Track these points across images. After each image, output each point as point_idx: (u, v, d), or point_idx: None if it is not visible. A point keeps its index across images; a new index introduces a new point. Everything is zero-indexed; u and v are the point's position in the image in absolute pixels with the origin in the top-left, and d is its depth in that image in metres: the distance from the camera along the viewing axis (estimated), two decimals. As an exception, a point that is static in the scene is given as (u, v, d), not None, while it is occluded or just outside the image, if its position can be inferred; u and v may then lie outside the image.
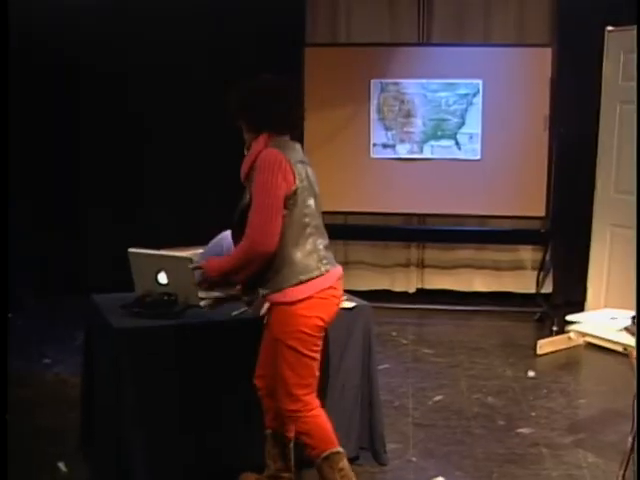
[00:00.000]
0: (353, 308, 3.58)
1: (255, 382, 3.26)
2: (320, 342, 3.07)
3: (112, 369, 3.19)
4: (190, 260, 3.31)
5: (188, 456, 3.32)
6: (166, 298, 3.38)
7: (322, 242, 3.08)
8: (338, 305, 3.13)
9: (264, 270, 2.98)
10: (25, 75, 6.14)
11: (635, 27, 5.27)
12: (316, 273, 2.99)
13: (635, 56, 5.47)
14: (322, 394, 3.53)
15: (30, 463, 3.64)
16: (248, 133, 3.10)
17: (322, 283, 3.00)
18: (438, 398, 4.63)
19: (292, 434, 3.26)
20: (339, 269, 3.13)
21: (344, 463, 3.09)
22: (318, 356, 3.08)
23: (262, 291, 3.04)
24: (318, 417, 3.08)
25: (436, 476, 3.61)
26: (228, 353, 3.28)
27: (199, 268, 3.15)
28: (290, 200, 2.95)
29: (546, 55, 6.28)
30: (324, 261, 3.04)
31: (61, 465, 3.61)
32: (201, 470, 3.36)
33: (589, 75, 6.12)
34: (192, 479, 3.35)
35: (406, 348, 5.66)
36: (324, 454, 3.05)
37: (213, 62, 6.44)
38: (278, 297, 2.99)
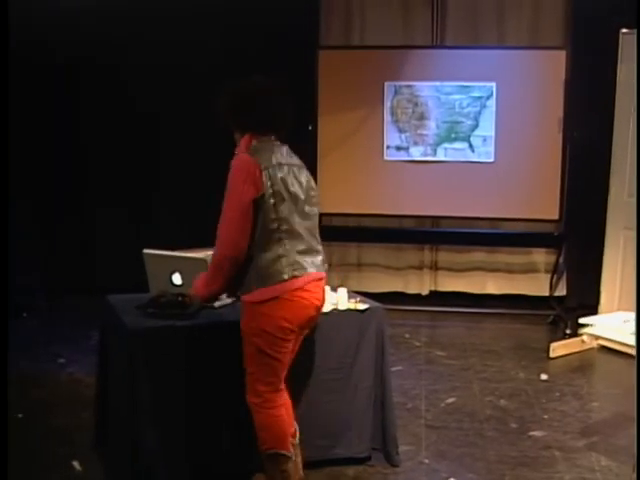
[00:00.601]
0: (366, 310, 3.60)
1: None
2: (287, 344, 3.06)
3: (127, 369, 3.22)
4: (205, 261, 3.33)
5: (202, 456, 3.34)
6: (180, 299, 3.41)
7: (297, 247, 3.04)
8: (310, 308, 3.08)
9: (239, 274, 3.03)
10: (25, 75, 6.17)
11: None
12: (283, 277, 2.99)
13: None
14: (335, 394, 3.55)
15: (44, 462, 3.66)
16: (236, 134, 3.17)
17: (289, 286, 2.99)
18: (451, 400, 4.63)
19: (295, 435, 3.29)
20: (315, 274, 3.08)
21: (288, 466, 3.14)
22: (284, 358, 3.08)
23: (238, 293, 3.11)
24: (277, 417, 3.11)
25: (448, 478, 3.62)
26: (242, 353, 3.29)
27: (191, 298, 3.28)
28: (257, 205, 2.97)
29: (560, 58, 6.28)
30: (295, 266, 3.01)
31: (75, 464, 3.63)
32: (215, 471, 3.38)
33: (603, 78, 6.11)
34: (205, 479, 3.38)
35: (419, 350, 5.67)
36: (270, 451, 3.12)
37: (226, 64, 6.43)
38: (246, 297, 3.05)
